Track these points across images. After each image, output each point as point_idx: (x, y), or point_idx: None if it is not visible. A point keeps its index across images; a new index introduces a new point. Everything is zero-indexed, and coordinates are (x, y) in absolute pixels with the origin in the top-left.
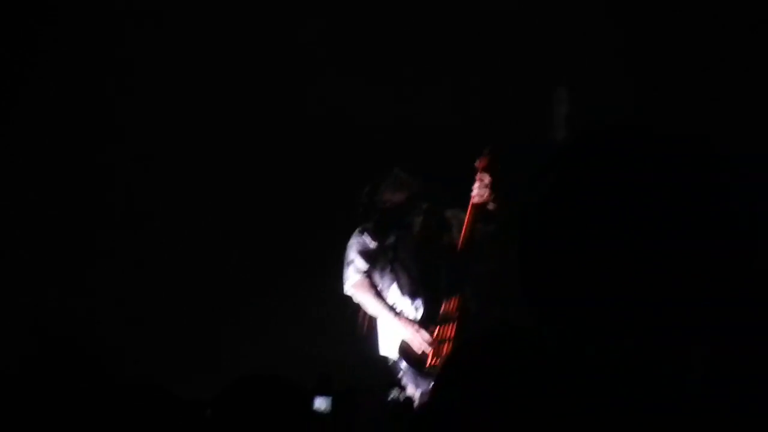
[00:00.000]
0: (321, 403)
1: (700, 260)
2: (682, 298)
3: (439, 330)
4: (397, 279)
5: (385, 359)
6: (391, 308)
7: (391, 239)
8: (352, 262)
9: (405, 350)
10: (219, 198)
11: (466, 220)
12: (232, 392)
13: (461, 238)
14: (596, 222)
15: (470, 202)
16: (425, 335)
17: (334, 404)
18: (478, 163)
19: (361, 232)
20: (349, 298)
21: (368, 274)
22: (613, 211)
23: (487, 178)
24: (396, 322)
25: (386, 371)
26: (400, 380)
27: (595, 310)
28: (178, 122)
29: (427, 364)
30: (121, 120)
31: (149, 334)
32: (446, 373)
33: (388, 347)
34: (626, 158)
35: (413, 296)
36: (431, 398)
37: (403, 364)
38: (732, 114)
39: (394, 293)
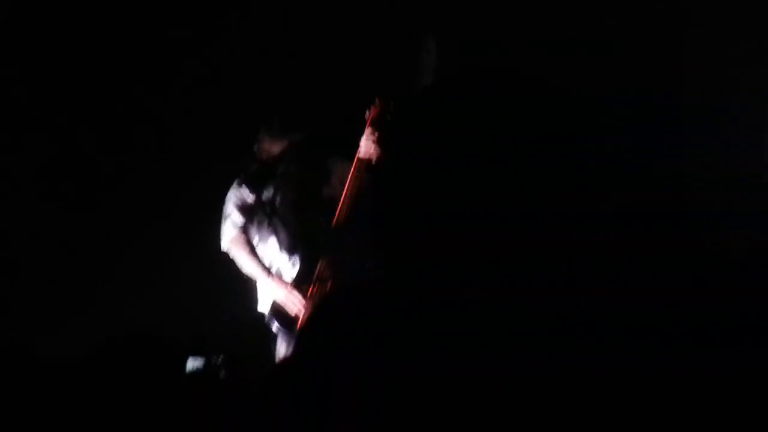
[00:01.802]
0: (194, 364)
1: (551, 203)
2: (534, 243)
3: (314, 289)
4: (275, 234)
5: (263, 316)
6: (264, 267)
7: (270, 191)
8: (228, 216)
9: (277, 311)
10: (93, 148)
11: (350, 175)
12: (103, 352)
13: (344, 194)
14: (447, 169)
15: (356, 156)
16: (297, 296)
17: (206, 365)
18: (367, 114)
19: (240, 185)
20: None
21: (245, 229)
22: (465, 156)
23: (375, 131)
24: (268, 283)
25: (263, 328)
26: (274, 338)
27: (447, 261)
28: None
29: (299, 326)
30: None
31: (20, 290)
32: (308, 326)
33: (265, 304)
34: (476, 103)
35: (291, 252)
36: (294, 349)
37: (275, 325)
38: (599, 62)
39: (272, 248)
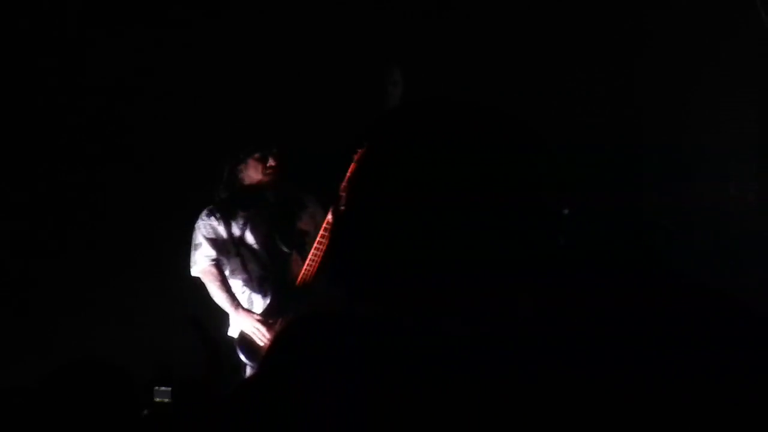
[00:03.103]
0: (161, 393)
1: (510, 225)
2: (494, 267)
3: (284, 322)
4: (245, 265)
5: (232, 340)
6: (233, 299)
7: (241, 222)
8: (199, 245)
9: (244, 342)
10: (60, 176)
11: (330, 212)
12: (59, 377)
13: (323, 230)
14: (403, 196)
15: (340, 193)
16: (263, 329)
17: (173, 394)
18: (356, 156)
19: (209, 215)
20: (196, 280)
21: (215, 261)
22: (421, 183)
23: None
24: (236, 315)
25: (234, 354)
26: (243, 366)
27: (407, 286)
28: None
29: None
30: None
31: None
32: (270, 350)
33: (235, 331)
34: (433, 131)
35: (261, 285)
36: (256, 371)
37: (242, 356)
38: (557, 89)
39: (242, 280)
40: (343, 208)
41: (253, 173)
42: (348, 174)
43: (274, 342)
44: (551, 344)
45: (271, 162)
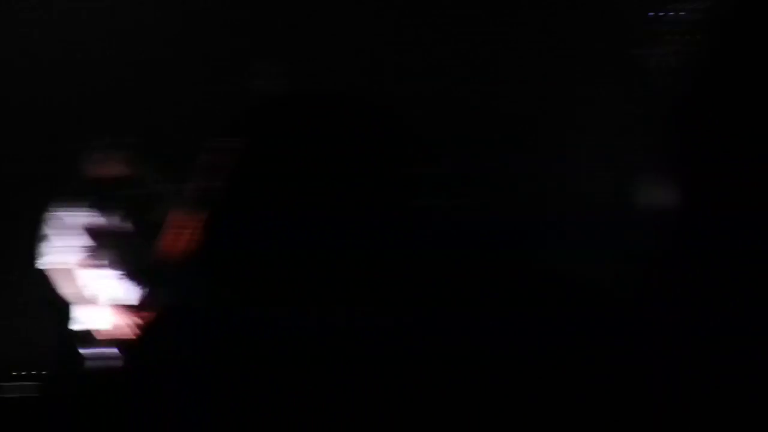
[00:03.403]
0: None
1: (371, 215)
2: (356, 258)
3: (147, 315)
4: (107, 257)
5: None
6: (91, 291)
7: (98, 214)
8: (58, 236)
9: (96, 335)
10: None
11: (193, 204)
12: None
13: (185, 222)
14: (262, 189)
15: (203, 185)
16: (125, 321)
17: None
18: (220, 148)
19: (68, 205)
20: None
21: (77, 251)
22: (282, 176)
23: None
24: (93, 308)
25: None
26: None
27: (272, 278)
28: None
29: (128, 346)
30: None
31: None
32: (136, 345)
33: (85, 324)
34: (294, 125)
35: (123, 275)
36: (123, 366)
37: (100, 349)
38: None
39: (101, 272)
40: (205, 200)
41: (108, 165)
42: (211, 167)
43: (138, 336)
44: (407, 326)
45: (124, 154)
